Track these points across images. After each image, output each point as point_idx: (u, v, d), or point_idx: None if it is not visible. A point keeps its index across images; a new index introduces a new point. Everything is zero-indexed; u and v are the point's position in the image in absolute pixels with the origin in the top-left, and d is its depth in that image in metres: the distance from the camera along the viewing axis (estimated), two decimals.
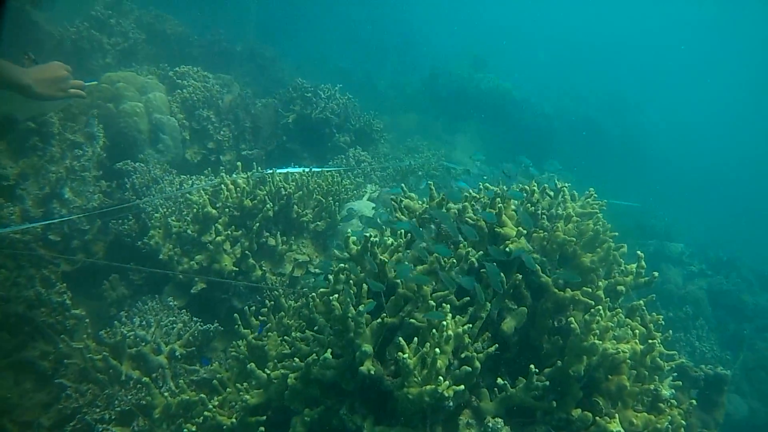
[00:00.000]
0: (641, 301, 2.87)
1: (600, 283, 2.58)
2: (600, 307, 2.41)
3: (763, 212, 14.90)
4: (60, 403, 3.43)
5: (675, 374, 2.81)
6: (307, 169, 4.77)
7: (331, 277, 2.65)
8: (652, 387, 2.54)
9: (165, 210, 4.53)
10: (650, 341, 2.56)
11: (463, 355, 2.50)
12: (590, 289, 2.55)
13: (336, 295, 2.51)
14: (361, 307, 2.41)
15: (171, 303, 4.10)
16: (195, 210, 4.23)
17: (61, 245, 4.61)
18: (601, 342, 2.37)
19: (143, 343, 3.60)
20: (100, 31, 7.05)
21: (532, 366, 2.41)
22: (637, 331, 2.63)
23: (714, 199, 14.76)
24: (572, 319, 2.46)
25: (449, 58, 13.64)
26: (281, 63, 10.57)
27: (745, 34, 26.90)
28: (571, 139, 12.99)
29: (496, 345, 2.55)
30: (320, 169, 4.96)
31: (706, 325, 6.53)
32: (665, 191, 12.97)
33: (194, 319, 4.01)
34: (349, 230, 2.75)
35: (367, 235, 2.57)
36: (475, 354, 2.48)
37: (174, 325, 3.86)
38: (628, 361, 2.51)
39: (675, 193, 13.43)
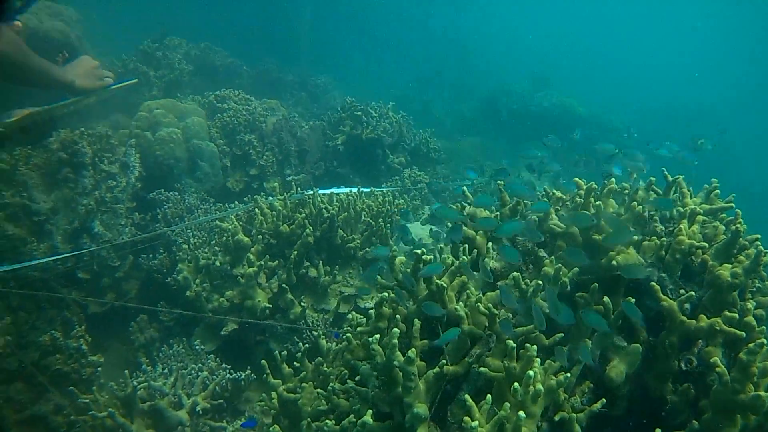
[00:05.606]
0: None
1: (749, 305, 1.77)
2: (763, 341, 1.60)
3: None
4: None
5: None
6: (354, 189, 4.15)
7: (372, 311, 1.97)
8: None
9: (195, 240, 4.03)
10: None
11: (557, 418, 1.74)
12: (734, 314, 1.74)
13: (377, 336, 1.82)
14: (410, 353, 1.71)
15: (198, 347, 3.53)
16: (225, 238, 3.69)
17: (90, 284, 4.21)
18: (767, 394, 1.57)
19: (160, 396, 3.02)
20: (147, 65, 6.87)
21: (658, 431, 1.63)
22: None
23: None
24: (715, 359, 1.67)
25: (508, 80, 12.93)
26: (334, 91, 10.22)
27: None
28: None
29: (603, 400, 1.78)
30: (369, 190, 4.33)
31: None
32: None
33: (223, 366, 3.41)
34: (395, 248, 2.07)
35: (418, 252, 1.89)
36: (573, 414, 1.72)
37: (199, 374, 3.27)
38: None
39: None
